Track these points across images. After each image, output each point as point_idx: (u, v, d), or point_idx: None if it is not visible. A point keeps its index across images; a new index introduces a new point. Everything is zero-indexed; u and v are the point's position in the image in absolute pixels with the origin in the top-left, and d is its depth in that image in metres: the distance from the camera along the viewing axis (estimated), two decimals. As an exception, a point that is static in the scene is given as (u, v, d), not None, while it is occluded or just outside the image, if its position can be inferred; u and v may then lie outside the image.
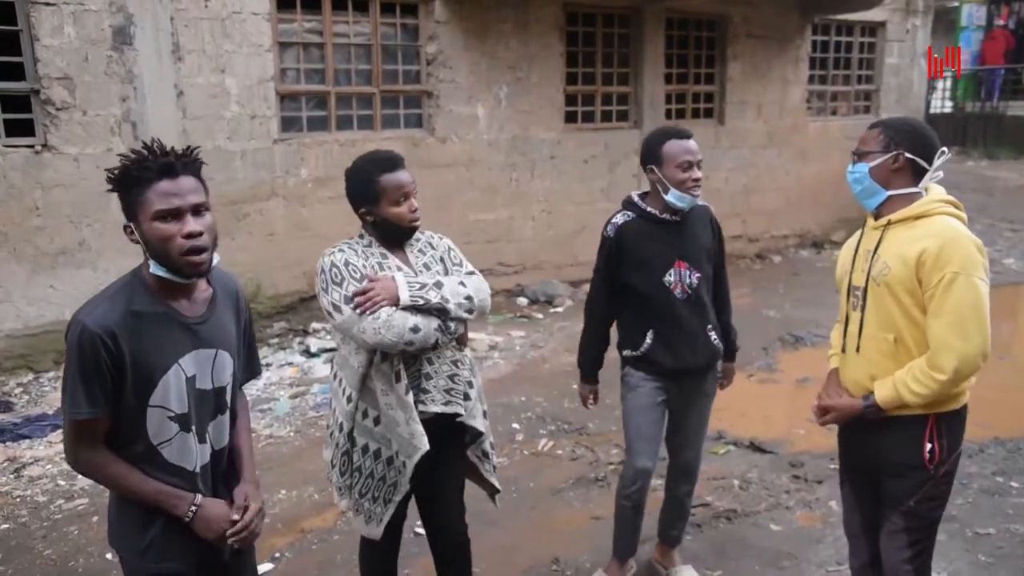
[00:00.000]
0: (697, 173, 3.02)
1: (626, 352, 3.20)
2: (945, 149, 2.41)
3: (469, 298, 2.58)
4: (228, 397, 2.14)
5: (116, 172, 1.94)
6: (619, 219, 3.13)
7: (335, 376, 2.72)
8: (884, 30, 11.10)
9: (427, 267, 2.68)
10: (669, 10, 9.09)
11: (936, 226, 2.33)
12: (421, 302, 2.48)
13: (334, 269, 2.51)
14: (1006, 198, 13.55)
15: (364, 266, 2.54)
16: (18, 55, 5.88)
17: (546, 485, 4.32)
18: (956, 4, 14.55)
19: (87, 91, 6.06)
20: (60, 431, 5.03)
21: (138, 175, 1.90)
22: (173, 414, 2.00)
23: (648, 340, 3.10)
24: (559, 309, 7.96)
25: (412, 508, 2.82)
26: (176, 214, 1.90)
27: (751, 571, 3.52)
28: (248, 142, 6.80)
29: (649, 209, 3.09)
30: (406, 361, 2.55)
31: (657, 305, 3.07)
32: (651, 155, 3.06)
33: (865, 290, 2.44)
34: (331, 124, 7.33)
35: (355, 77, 7.42)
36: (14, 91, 5.91)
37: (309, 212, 7.06)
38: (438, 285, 2.54)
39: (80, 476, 4.47)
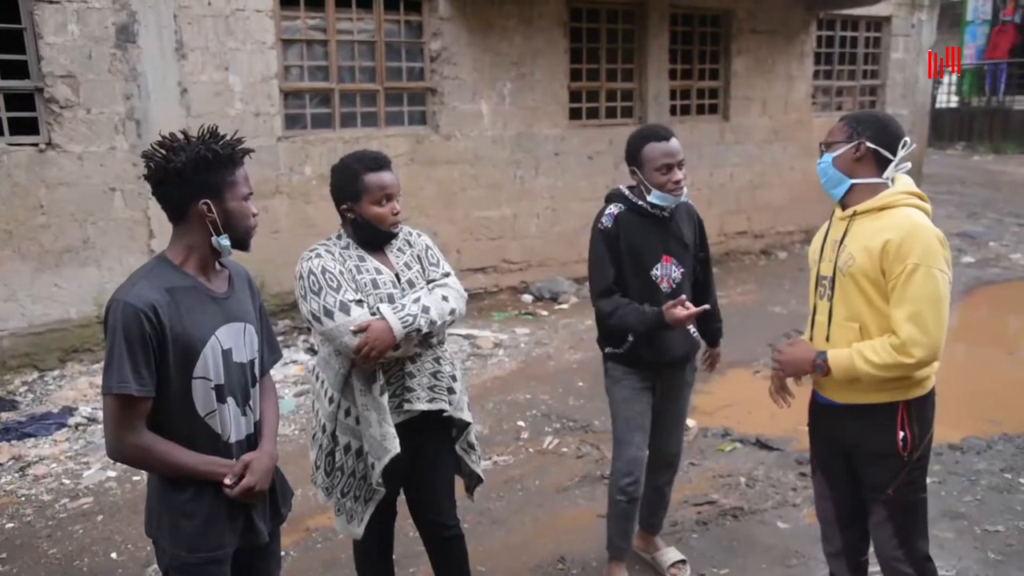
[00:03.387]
0: (678, 175, 2.96)
1: (608, 349, 3.21)
2: (908, 139, 2.45)
3: (453, 311, 2.64)
4: (256, 370, 2.25)
5: (227, 148, 2.05)
6: (614, 210, 3.10)
7: (316, 377, 2.72)
8: (889, 25, 11.05)
9: (408, 266, 2.69)
10: (673, 6, 9.06)
11: (899, 218, 2.38)
12: (414, 334, 2.52)
13: (312, 277, 2.52)
14: (1013, 192, 13.47)
15: (341, 271, 2.55)
16: (22, 53, 5.87)
17: (551, 483, 4.31)
18: (962, -2, 14.54)
19: (91, 89, 6.05)
20: (65, 429, 5.07)
21: (232, 157, 2.06)
22: (213, 384, 2.08)
23: (630, 338, 3.10)
24: (564, 306, 7.94)
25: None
26: (250, 196, 2.14)
27: (758, 569, 3.50)
28: (252, 140, 6.73)
29: (639, 202, 3.07)
30: (386, 363, 2.58)
31: (643, 299, 3.03)
32: (632, 157, 3.04)
33: (833, 280, 2.50)
34: (335, 121, 7.32)
35: (359, 74, 7.40)
36: (18, 89, 5.91)
37: (313, 209, 7.05)
38: (425, 310, 2.55)
39: (83, 477, 4.50)
